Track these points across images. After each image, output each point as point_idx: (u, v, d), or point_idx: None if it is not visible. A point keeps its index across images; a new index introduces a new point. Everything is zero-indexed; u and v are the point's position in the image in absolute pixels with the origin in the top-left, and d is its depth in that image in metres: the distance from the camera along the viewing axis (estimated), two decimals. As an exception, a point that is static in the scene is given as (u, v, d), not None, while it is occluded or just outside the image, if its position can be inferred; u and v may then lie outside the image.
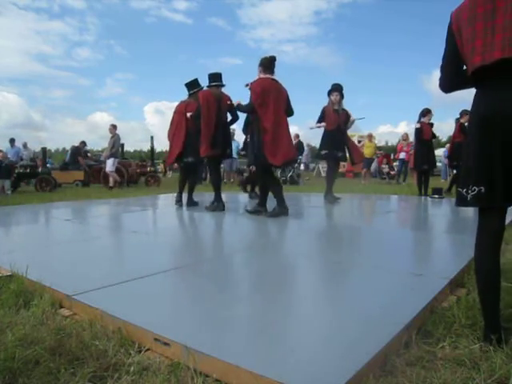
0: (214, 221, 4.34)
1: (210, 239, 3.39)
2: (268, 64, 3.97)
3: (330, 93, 5.49)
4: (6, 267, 2.06)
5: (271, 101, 3.84)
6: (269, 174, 4.22)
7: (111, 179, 9.33)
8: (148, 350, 1.29)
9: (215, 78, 4.63)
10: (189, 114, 4.77)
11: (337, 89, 5.46)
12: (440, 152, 14.48)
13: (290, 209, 4.26)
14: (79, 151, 11.40)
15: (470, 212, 5.26)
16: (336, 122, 5.40)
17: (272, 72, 3.97)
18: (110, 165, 9.21)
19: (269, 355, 1.15)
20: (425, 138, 6.84)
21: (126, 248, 2.77)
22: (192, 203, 5.14)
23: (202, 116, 4.41)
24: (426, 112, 6.91)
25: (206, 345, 1.21)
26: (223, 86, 4.67)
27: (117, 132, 9.39)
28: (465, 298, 1.67)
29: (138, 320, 1.40)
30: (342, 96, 5.48)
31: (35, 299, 1.67)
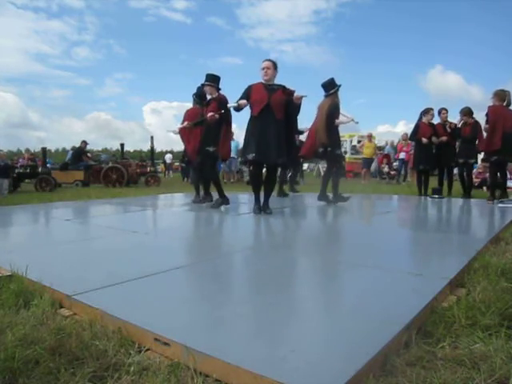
0: (213, 221, 4.34)
1: (210, 239, 3.39)
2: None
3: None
4: (6, 267, 2.05)
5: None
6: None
7: None
8: (148, 349, 1.29)
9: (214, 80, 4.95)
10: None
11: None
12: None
13: (291, 208, 4.26)
14: (83, 151, 11.45)
15: (470, 212, 5.26)
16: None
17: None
18: None
19: (269, 355, 1.15)
20: (419, 138, 6.82)
21: (126, 248, 2.76)
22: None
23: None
24: (426, 112, 6.85)
25: (206, 345, 1.21)
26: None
27: None
28: (465, 298, 1.67)
29: (138, 320, 1.40)
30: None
31: (35, 299, 1.67)
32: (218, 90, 4.92)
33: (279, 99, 4.21)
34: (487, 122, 5.69)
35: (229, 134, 4.85)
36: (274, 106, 4.17)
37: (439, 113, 6.97)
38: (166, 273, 2.04)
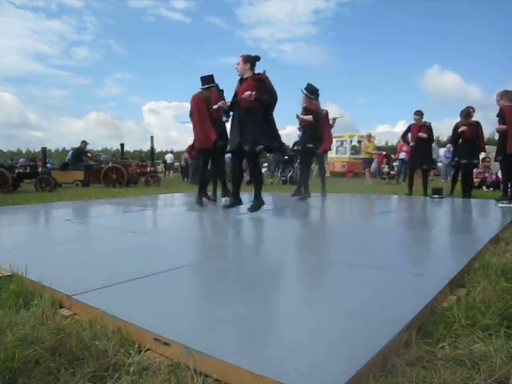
0: (213, 221, 4.34)
1: (210, 239, 3.39)
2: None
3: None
4: (6, 267, 2.05)
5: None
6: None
7: None
8: (148, 349, 1.29)
9: (208, 80, 5.20)
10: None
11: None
12: (440, 152, 14.48)
13: (291, 208, 4.26)
14: (83, 151, 11.48)
15: (470, 212, 5.26)
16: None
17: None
18: None
19: (269, 355, 1.15)
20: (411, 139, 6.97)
21: (126, 248, 2.76)
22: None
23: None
24: (414, 113, 6.99)
25: (206, 345, 1.21)
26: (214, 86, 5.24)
27: None
28: (465, 298, 1.67)
29: (138, 320, 1.40)
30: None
31: (35, 299, 1.67)
32: (209, 88, 5.11)
33: (244, 88, 4.24)
34: (501, 122, 5.72)
35: (196, 123, 5.06)
36: (239, 95, 4.27)
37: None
38: (165, 273, 2.04)
